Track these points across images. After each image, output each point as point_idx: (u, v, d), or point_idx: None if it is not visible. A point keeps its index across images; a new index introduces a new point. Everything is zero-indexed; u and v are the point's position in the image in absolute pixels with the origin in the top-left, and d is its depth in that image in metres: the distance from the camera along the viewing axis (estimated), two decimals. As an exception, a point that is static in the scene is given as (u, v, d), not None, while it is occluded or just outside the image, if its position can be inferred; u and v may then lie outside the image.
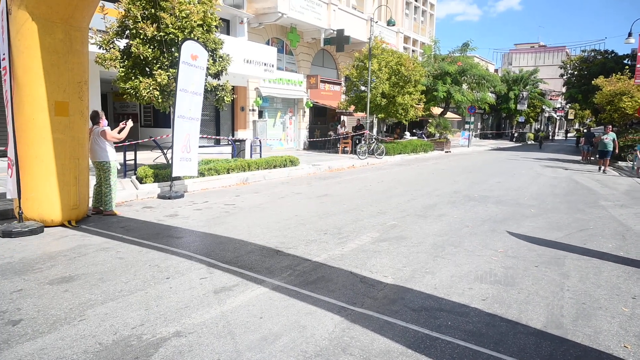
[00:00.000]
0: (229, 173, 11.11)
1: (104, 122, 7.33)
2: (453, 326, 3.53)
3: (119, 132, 7.44)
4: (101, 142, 7.12)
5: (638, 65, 19.27)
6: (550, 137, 49.82)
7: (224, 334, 3.30)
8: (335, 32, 20.14)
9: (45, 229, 6.10)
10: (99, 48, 9.27)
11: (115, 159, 7.31)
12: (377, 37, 20.83)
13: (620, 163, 18.81)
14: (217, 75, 10.10)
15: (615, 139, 16.73)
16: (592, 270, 4.97)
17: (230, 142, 14.64)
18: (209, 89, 9.91)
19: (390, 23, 20.12)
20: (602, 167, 16.35)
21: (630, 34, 20.72)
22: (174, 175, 8.79)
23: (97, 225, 6.50)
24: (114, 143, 7.41)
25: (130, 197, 8.48)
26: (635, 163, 15.85)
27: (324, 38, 21.31)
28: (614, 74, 23.29)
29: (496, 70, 49.95)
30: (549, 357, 3.12)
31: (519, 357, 3.10)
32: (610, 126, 17.97)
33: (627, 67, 26.47)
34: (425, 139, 26.29)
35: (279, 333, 3.34)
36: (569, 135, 53.19)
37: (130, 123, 7.67)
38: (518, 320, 3.67)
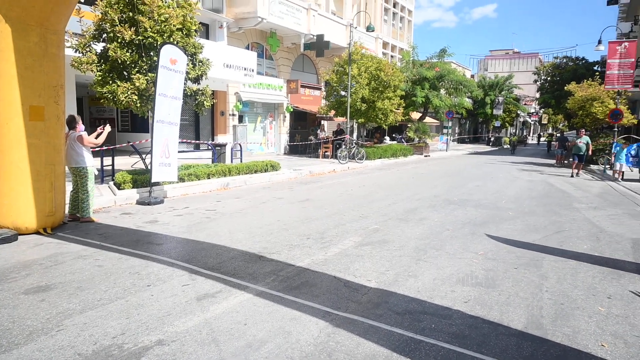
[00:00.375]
0: (209, 178, 11.00)
1: (80, 127, 7.14)
2: (437, 329, 3.57)
3: (97, 137, 7.29)
4: (77, 148, 6.94)
5: (608, 72, 19.87)
6: (525, 142, 50.92)
7: (208, 342, 3.26)
8: (315, 37, 20.24)
9: (19, 236, 5.91)
10: (75, 51, 9.09)
11: (92, 164, 7.14)
12: (357, 42, 21.02)
13: (593, 166, 19.37)
14: (196, 80, 10.01)
15: (589, 143, 17.06)
16: (569, 271, 5.10)
17: (210, 147, 14.50)
18: (188, 93, 9.82)
19: (369, 29, 20.34)
20: (576, 171, 16.65)
21: (600, 42, 21.41)
22: (153, 180, 8.65)
23: (74, 232, 6.34)
24: (91, 148, 7.25)
25: (108, 204, 8.31)
26: (606, 166, 16.30)
27: (303, 43, 21.37)
28: (585, 80, 23.99)
29: (472, 76, 51.00)
30: (530, 358, 3.18)
31: (501, 358, 3.15)
32: (584, 130, 18.22)
33: (597, 73, 27.34)
34: (405, 144, 26.59)
35: (263, 339, 3.32)
36: (541, 139, 54.56)
37: (108, 128, 7.52)
38: (499, 322, 3.73)
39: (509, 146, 40.03)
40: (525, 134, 65.09)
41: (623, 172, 15.32)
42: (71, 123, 7.03)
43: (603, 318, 3.87)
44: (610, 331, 3.63)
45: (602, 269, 5.25)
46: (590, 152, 17.33)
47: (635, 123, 21.87)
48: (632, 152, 17.89)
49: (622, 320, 3.84)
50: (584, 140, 16.73)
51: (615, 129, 18.74)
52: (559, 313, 3.95)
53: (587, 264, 5.42)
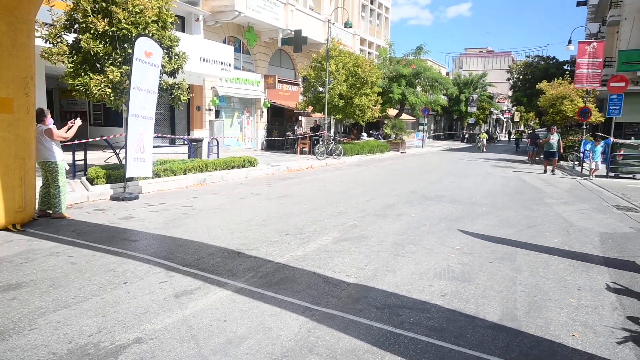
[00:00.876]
0: (185, 174, 10.84)
1: (49, 120, 6.91)
2: (415, 322, 3.62)
3: (67, 131, 7.08)
4: (46, 142, 6.71)
5: (577, 71, 20.49)
6: (495, 138, 51.99)
7: (187, 339, 3.22)
8: (292, 33, 20.13)
9: (-14, 234, 5.70)
10: (45, 42, 8.79)
11: (62, 159, 6.92)
12: (335, 38, 21.03)
13: (563, 163, 19.97)
14: (172, 74, 9.83)
15: (560, 140, 17.35)
16: (541, 265, 5.25)
17: (186, 142, 14.29)
18: (164, 87, 9.64)
19: (347, 25, 20.35)
20: (551, 168, 16.75)
21: (570, 42, 22.06)
22: (127, 175, 8.47)
23: (45, 229, 6.15)
24: (61, 142, 7.03)
25: (80, 199, 8.09)
26: (575, 163, 16.57)
27: (281, 38, 21.23)
28: (555, 79, 24.69)
29: (448, 74, 51.81)
30: (505, 348, 3.27)
31: (478, 350, 3.22)
32: (555, 127, 18.37)
33: (567, 72, 28.17)
34: (382, 140, 26.79)
35: (244, 336, 3.30)
36: (511, 137, 55.87)
37: (78, 121, 7.31)
38: (476, 315, 3.81)
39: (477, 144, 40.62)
40: (497, 130, 66.55)
41: (596, 170, 15.39)
42: (39, 116, 6.75)
43: (574, 309, 4.01)
44: (581, 321, 3.76)
45: (572, 262, 5.43)
46: (561, 151, 17.67)
47: (603, 121, 22.62)
48: (600, 150, 18.55)
49: (592, 310, 3.98)
50: (555, 138, 16.95)
51: (584, 127, 19.36)
52: (532, 305, 4.07)
53: (558, 257, 5.60)
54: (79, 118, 7.46)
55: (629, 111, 20.93)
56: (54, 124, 7.08)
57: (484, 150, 30.61)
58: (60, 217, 6.76)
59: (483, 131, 43.00)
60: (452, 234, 6.61)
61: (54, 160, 6.78)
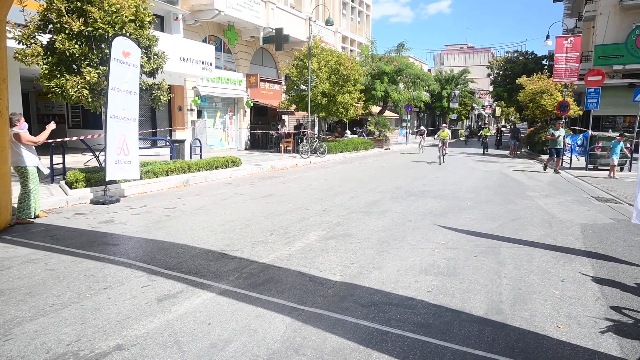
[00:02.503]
0: (168, 175, 10.67)
1: (21, 124, 6.72)
2: (402, 319, 3.60)
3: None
4: (15, 146, 6.58)
5: (555, 66, 20.83)
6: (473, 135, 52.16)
7: (170, 344, 3.15)
8: (274, 31, 19.99)
9: (-40, 242, 5.51)
10: (18, 43, 8.54)
11: (33, 163, 6.76)
12: (316, 36, 20.95)
13: (543, 156, 20.27)
14: (152, 74, 9.65)
15: (565, 136, 15.51)
16: (524, 257, 5.29)
17: (168, 143, 14.08)
18: (143, 87, 9.45)
19: (328, 22, 20.32)
20: (554, 166, 14.97)
21: (548, 37, 22.41)
22: (108, 178, 8.29)
23: (22, 235, 5.97)
24: (34, 146, 6.85)
25: (59, 204, 7.89)
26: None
27: (262, 37, 21.06)
28: (534, 74, 25.05)
29: (429, 70, 52.13)
30: (491, 342, 3.27)
31: (465, 345, 3.22)
32: (560, 121, 16.27)
33: (546, 67, 28.61)
34: (366, 137, 26.85)
35: (228, 339, 3.24)
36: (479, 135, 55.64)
37: (51, 125, 7.17)
38: (462, 309, 3.82)
39: (467, 138, 40.53)
40: (481, 125, 67.19)
41: (615, 167, 13.64)
42: (10, 120, 6.58)
43: (557, 300, 4.04)
44: (565, 313, 3.79)
45: (555, 253, 5.49)
46: (566, 145, 15.97)
47: (581, 114, 23.05)
48: (578, 142, 18.88)
49: (575, 301, 4.02)
50: (562, 133, 15.11)
51: (563, 120, 19.68)
52: (517, 298, 4.09)
53: (541, 249, 5.66)
54: (52, 122, 7.33)
55: (606, 104, 21.38)
56: (28, 127, 6.88)
57: (487, 150, 26.23)
58: (24, 223, 6.55)
59: (487, 127, 41.33)
60: (436, 229, 6.62)
61: (23, 165, 6.66)
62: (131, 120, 8.48)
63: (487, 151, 24.21)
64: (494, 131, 34.08)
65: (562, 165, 16.29)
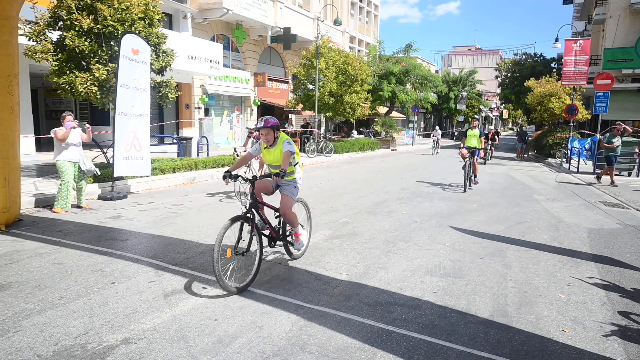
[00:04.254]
0: (175, 172, 10.73)
1: (66, 123, 7.17)
2: (407, 319, 3.61)
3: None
4: (55, 142, 7.15)
5: (564, 69, 20.71)
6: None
7: (177, 339, 3.17)
8: (282, 30, 20.03)
9: (-30, 235, 5.59)
10: (29, 40, 8.62)
11: (66, 158, 7.17)
12: (324, 36, 20.95)
13: (550, 160, 20.17)
14: (160, 71, 9.72)
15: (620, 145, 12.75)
16: (531, 261, 5.28)
17: (175, 141, 14.15)
18: (152, 85, 9.51)
19: (336, 22, 20.32)
20: (609, 179, 12.46)
21: (557, 40, 22.29)
22: (116, 174, 8.35)
23: (31, 229, 6.03)
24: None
25: (67, 199, 7.94)
26: (563, 159, 14.95)
27: (270, 36, 21.12)
28: (543, 77, 24.92)
29: (437, 71, 52.03)
30: (497, 344, 3.27)
31: (469, 346, 3.22)
32: (622, 128, 12.91)
33: (554, 70, 28.45)
34: (372, 138, 26.83)
35: (235, 335, 3.26)
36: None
37: (81, 125, 7.57)
38: (467, 311, 3.82)
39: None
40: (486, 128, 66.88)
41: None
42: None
43: (563, 304, 4.03)
44: (571, 317, 3.78)
45: (561, 257, 5.46)
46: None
47: (589, 118, 22.89)
48: (586, 146, 18.75)
49: (581, 306, 4.01)
50: (620, 142, 12.61)
51: (571, 124, 19.56)
52: (523, 301, 4.08)
53: (547, 253, 5.63)
54: (87, 124, 7.77)
55: (614, 108, 21.16)
56: (71, 125, 7.19)
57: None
58: (56, 212, 7.01)
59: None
60: (443, 230, 6.62)
61: (55, 159, 7.19)
62: (143, 116, 8.56)
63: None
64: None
65: (569, 169, 16.19)
